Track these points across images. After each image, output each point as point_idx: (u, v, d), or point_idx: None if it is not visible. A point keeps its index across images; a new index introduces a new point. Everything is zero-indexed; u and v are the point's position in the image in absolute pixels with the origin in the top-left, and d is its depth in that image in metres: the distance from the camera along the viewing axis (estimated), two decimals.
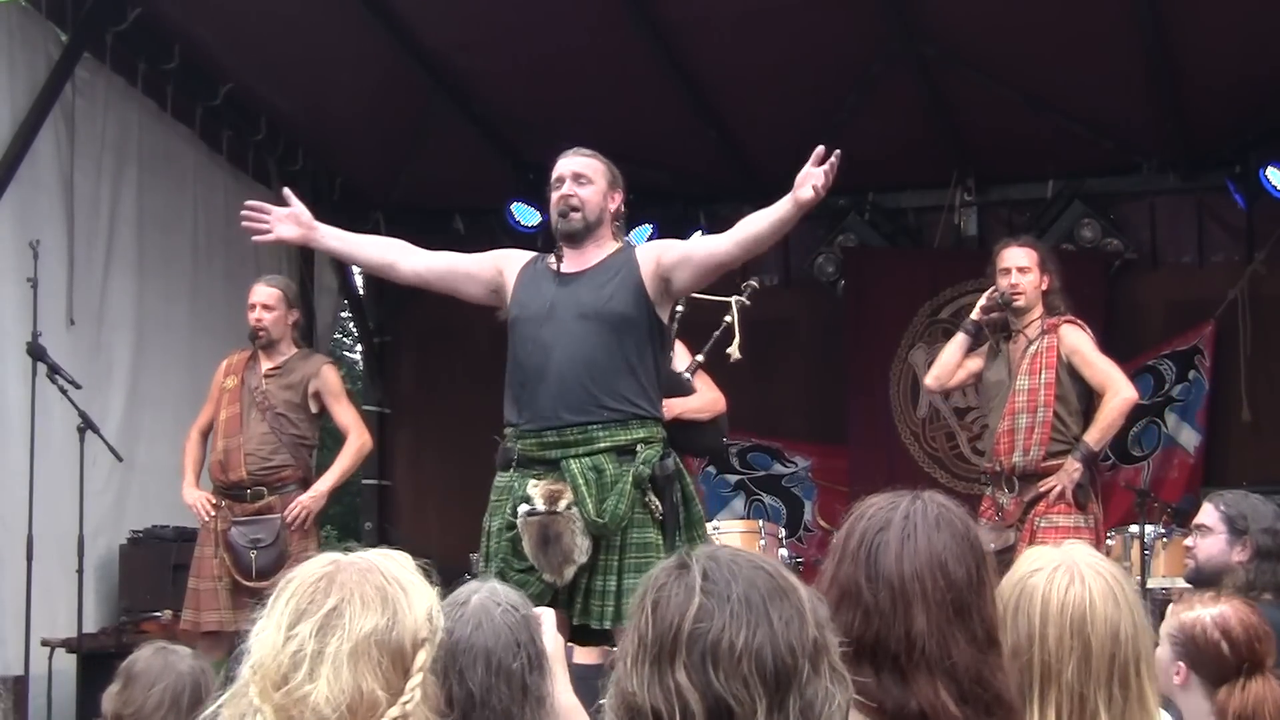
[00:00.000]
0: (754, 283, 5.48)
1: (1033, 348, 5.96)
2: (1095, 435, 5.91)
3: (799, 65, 8.21)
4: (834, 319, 9.68)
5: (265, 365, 6.41)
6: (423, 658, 1.84)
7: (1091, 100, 8.42)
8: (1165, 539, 6.43)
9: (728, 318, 5.41)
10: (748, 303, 5.46)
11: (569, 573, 4.39)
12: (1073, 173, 9.22)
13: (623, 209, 4.74)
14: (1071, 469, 5.85)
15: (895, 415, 9.42)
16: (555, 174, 4.69)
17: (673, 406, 5.03)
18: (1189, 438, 8.93)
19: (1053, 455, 5.89)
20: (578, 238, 4.62)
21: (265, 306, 6.38)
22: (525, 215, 9.48)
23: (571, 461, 4.42)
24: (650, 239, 9.11)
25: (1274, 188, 8.43)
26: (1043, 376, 5.91)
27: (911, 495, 2.06)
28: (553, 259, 4.63)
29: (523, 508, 4.43)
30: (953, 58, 8.21)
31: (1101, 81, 8.19)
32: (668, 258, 4.54)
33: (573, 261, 4.62)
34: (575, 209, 4.61)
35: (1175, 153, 8.91)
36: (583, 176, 4.64)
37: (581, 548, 4.38)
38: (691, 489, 4.61)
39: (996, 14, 7.79)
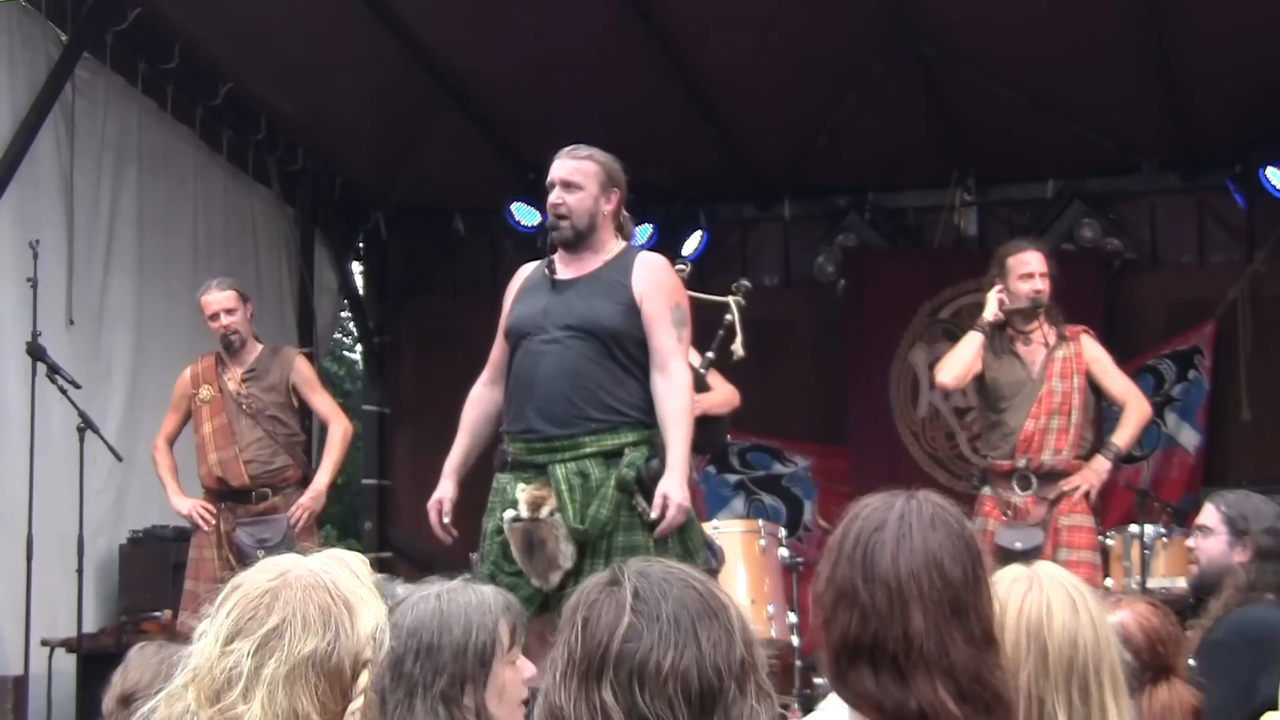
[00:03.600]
0: (745, 282, 5.45)
1: (1060, 353, 6.05)
2: (1125, 439, 6.14)
3: (799, 65, 8.21)
4: (834, 319, 9.67)
5: (237, 370, 6.38)
6: (364, 680, 1.81)
7: (1091, 100, 8.41)
8: (1165, 539, 6.44)
9: (729, 316, 5.39)
10: (744, 301, 5.44)
11: (555, 578, 4.38)
12: (1073, 173, 9.22)
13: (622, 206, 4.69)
14: (1102, 468, 6.03)
15: (895, 415, 9.42)
16: (548, 178, 4.66)
17: (700, 401, 5.02)
18: (1189, 437, 8.93)
19: (1076, 457, 6.04)
20: (570, 245, 4.60)
21: (228, 311, 6.35)
22: (525, 215, 9.47)
23: (557, 467, 4.41)
24: (650, 239, 9.11)
25: (1274, 188, 8.44)
26: (1074, 381, 6.05)
27: (906, 495, 2.06)
28: (555, 265, 4.61)
29: (508, 513, 4.43)
30: (953, 58, 8.21)
31: (1101, 81, 8.19)
32: (644, 307, 4.49)
33: (569, 268, 4.60)
34: (563, 217, 4.58)
35: (1175, 153, 8.91)
36: (571, 183, 4.59)
37: (566, 554, 4.36)
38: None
39: (996, 14, 7.79)
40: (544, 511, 4.37)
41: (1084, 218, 9.16)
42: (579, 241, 4.59)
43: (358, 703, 1.80)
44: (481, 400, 4.77)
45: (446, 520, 4.70)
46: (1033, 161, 9.13)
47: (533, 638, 4.43)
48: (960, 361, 6.15)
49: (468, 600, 2.59)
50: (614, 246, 4.64)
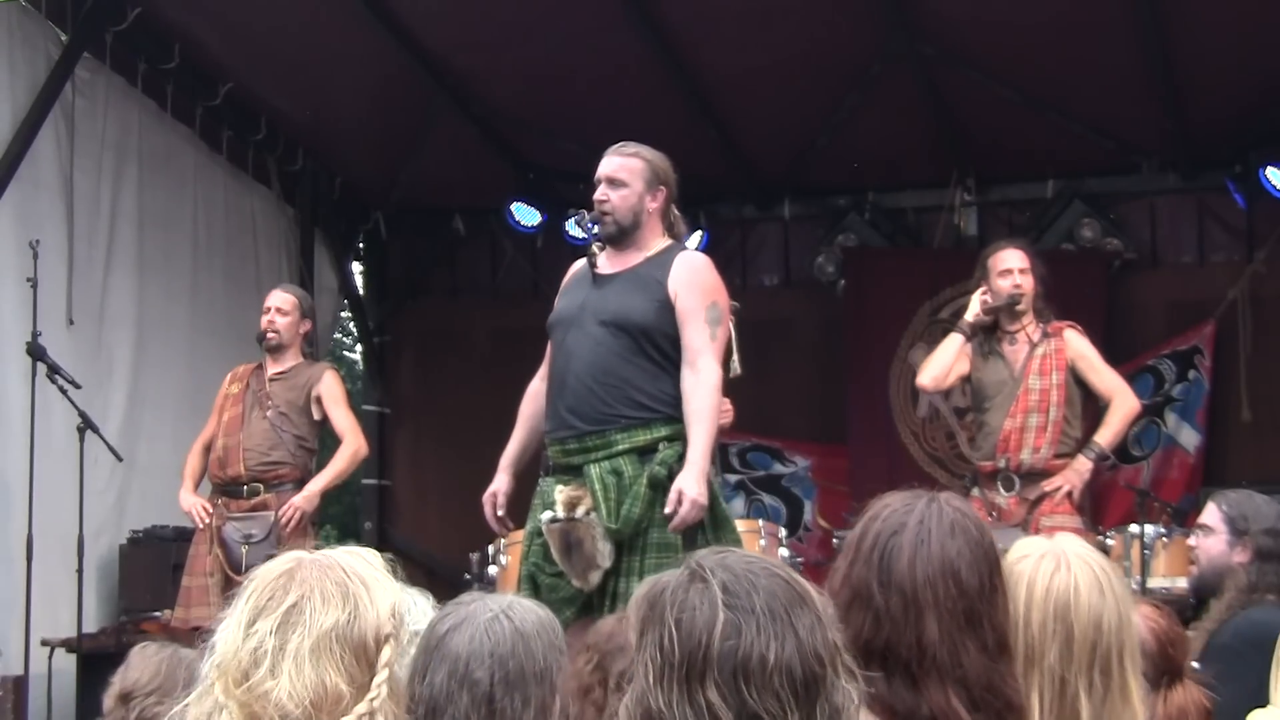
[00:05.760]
0: (735, 303, 5.41)
1: (1040, 350, 6.00)
2: (1109, 437, 6.01)
3: (799, 65, 8.20)
4: (834, 319, 9.67)
5: (271, 370, 6.45)
6: (387, 654, 1.85)
7: (1091, 100, 8.42)
8: (1165, 539, 6.42)
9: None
10: (734, 319, 5.40)
11: (594, 578, 4.38)
12: (1073, 173, 9.22)
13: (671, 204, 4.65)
14: (1083, 468, 5.93)
15: (895, 415, 9.42)
16: (596, 174, 4.66)
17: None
18: (1189, 438, 8.93)
19: (1058, 455, 5.96)
20: (614, 241, 4.60)
21: (280, 310, 6.45)
22: (525, 215, 9.49)
23: (591, 467, 4.42)
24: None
25: (1274, 188, 8.43)
26: (1054, 378, 5.97)
27: (928, 498, 2.05)
28: (598, 260, 4.61)
29: (545, 514, 4.44)
30: (953, 58, 8.21)
31: (1101, 81, 8.19)
32: (678, 304, 4.48)
33: (612, 263, 4.60)
34: (606, 214, 4.58)
35: (1175, 153, 8.91)
36: (616, 180, 4.58)
37: (603, 553, 4.36)
38: (717, 490, 4.56)
39: (996, 14, 7.78)
40: (580, 511, 4.38)
41: (1084, 218, 9.16)
42: (623, 237, 4.58)
43: (382, 676, 1.83)
44: (537, 396, 4.77)
45: (501, 514, 4.71)
46: (1033, 161, 9.13)
47: (573, 637, 4.47)
48: (939, 363, 6.16)
49: (537, 619, 2.36)
50: (657, 244, 4.63)
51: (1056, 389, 5.96)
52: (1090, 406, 6.18)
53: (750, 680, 1.62)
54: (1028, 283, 6.02)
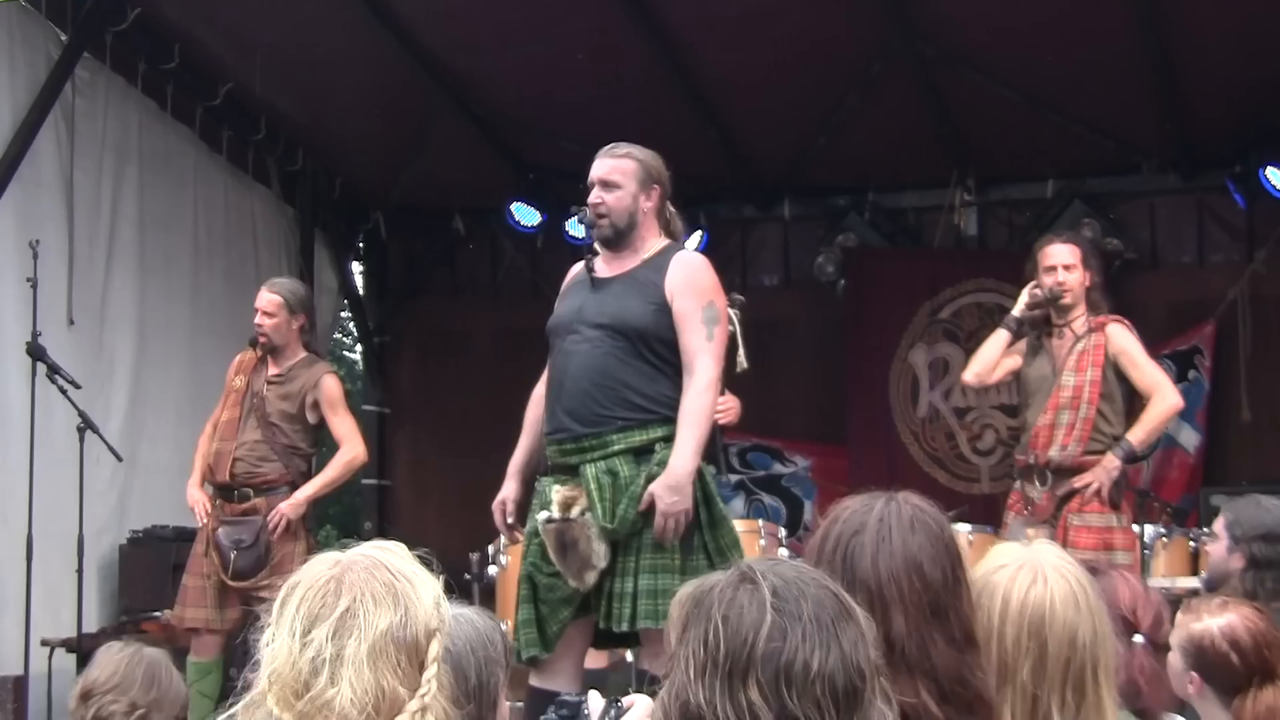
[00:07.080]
0: (739, 295, 5.39)
1: (1080, 345, 5.92)
2: (1140, 436, 5.91)
3: (799, 65, 8.21)
4: (834, 319, 9.68)
5: (270, 371, 6.36)
6: (435, 648, 1.85)
7: (1091, 100, 8.42)
8: (1165, 539, 6.42)
9: (730, 328, 5.34)
10: (740, 313, 5.39)
11: (590, 578, 4.37)
12: (1073, 173, 9.21)
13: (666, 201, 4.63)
14: (1111, 466, 5.82)
15: (895, 415, 9.42)
16: (589, 178, 4.64)
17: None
18: (1189, 438, 8.93)
19: (1090, 452, 5.87)
20: (610, 243, 4.59)
21: (265, 313, 6.28)
22: (525, 215, 9.49)
23: (587, 467, 4.40)
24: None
25: (1274, 188, 8.43)
26: (1089, 374, 5.89)
27: (886, 497, 2.07)
28: (595, 264, 4.59)
29: (541, 514, 4.44)
30: (953, 58, 8.21)
31: (1101, 81, 8.19)
32: (674, 306, 4.47)
33: (610, 266, 4.59)
34: (602, 216, 4.55)
35: (1175, 153, 8.91)
36: (609, 182, 4.56)
37: (599, 553, 4.35)
38: (713, 489, 4.51)
39: (996, 14, 7.79)
40: (575, 511, 4.37)
41: (1084, 218, 9.14)
42: (619, 240, 4.57)
43: (432, 670, 1.84)
44: (541, 401, 4.74)
45: (511, 521, 4.69)
46: (1033, 161, 9.12)
47: (574, 635, 4.45)
48: (983, 359, 6.12)
49: (469, 635, 2.38)
50: (654, 245, 4.60)
51: (1090, 385, 5.87)
52: (1137, 402, 6.04)
53: (792, 684, 1.64)
54: (1072, 279, 5.93)
